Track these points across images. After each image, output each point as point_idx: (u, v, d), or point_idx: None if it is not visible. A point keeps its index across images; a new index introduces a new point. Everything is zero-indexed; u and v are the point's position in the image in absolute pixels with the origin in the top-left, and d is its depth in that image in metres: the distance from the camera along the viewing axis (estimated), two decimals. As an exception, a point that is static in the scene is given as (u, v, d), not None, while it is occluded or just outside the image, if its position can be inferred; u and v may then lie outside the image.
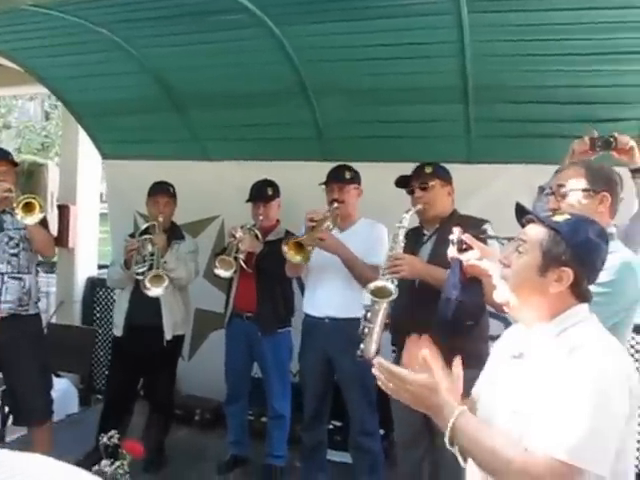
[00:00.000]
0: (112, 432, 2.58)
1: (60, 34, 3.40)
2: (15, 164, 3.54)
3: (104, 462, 2.45)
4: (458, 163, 3.82)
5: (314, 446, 3.55)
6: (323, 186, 3.40)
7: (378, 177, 3.41)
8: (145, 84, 3.93)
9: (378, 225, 3.35)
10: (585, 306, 1.52)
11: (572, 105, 3.42)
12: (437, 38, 3.21)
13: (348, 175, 3.37)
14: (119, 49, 3.53)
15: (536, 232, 1.55)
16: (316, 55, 3.51)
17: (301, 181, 3.96)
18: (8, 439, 3.93)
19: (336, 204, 3.30)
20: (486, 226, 2.70)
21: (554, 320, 1.50)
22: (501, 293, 1.61)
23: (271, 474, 3.76)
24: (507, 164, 3.81)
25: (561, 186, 2.08)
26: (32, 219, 3.27)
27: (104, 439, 2.55)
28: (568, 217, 1.55)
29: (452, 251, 2.23)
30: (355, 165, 3.55)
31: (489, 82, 3.42)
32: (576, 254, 1.48)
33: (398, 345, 2.87)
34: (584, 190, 2.00)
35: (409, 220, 2.83)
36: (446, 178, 2.91)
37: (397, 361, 2.76)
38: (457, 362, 1.67)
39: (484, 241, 2.26)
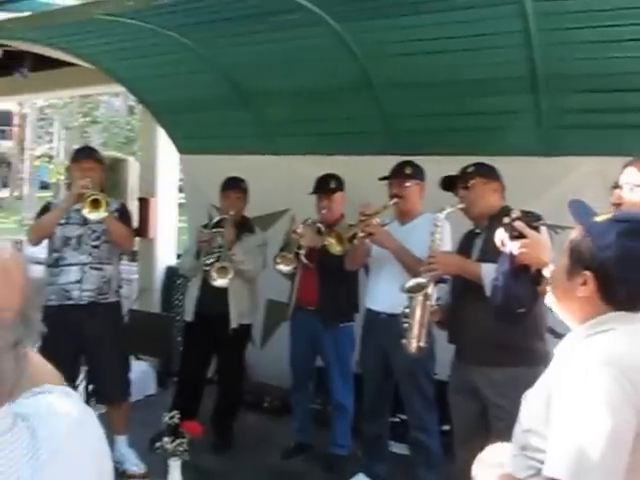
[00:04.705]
0: (173, 412, 2.77)
1: (133, 39, 3.60)
2: (101, 162, 3.77)
3: (165, 439, 2.64)
4: (530, 156, 3.77)
5: (374, 437, 3.60)
6: (381, 181, 3.43)
7: (445, 171, 3.38)
8: (215, 82, 4.08)
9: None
10: (617, 315, 1.39)
11: (647, 94, 3.26)
12: (501, 28, 3.16)
13: (408, 171, 3.38)
14: (189, 50, 3.70)
15: (574, 233, 1.47)
16: (379, 50, 3.53)
17: (368, 175, 3.99)
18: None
19: (395, 199, 3.33)
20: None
21: (583, 325, 1.43)
22: (548, 296, 1.56)
23: (333, 462, 3.85)
24: (581, 156, 3.68)
25: (626, 182, 2.02)
26: (97, 215, 3.47)
27: (166, 418, 2.74)
28: (609, 217, 1.44)
29: (501, 233, 2.21)
30: (422, 159, 3.54)
31: (559, 71, 3.32)
32: (598, 257, 1.37)
33: (455, 342, 2.90)
34: None
35: (444, 219, 2.87)
36: (489, 175, 2.88)
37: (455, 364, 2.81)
38: None
39: (537, 229, 2.22)
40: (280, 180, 4.48)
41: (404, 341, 2.79)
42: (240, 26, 3.39)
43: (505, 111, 3.72)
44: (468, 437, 2.91)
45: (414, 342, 2.78)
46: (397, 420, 3.95)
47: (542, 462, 1.33)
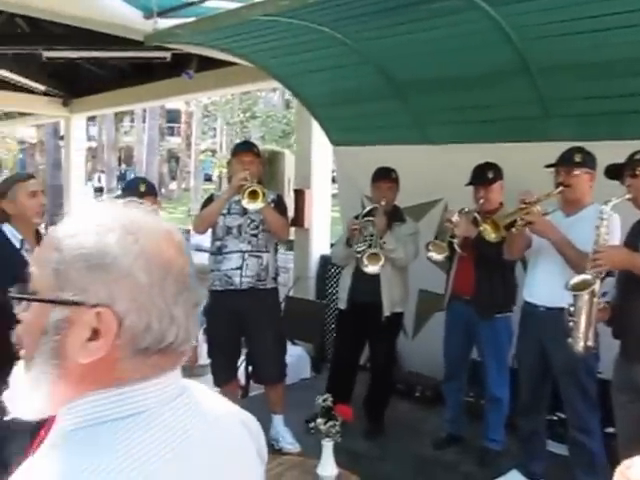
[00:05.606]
0: (327, 395, 2.88)
1: (288, 36, 3.74)
2: (259, 155, 3.98)
3: (319, 420, 2.75)
4: None
5: (529, 435, 3.48)
6: (546, 168, 3.27)
7: (612, 157, 3.17)
8: (367, 74, 4.13)
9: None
10: None
11: None
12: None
13: (578, 158, 3.17)
14: (341, 44, 3.78)
15: None
16: (536, 32, 3.37)
17: (526, 162, 3.83)
18: (250, 394, 4.49)
19: (561, 188, 3.17)
20: None
21: None
22: None
23: (486, 456, 3.78)
24: None
25: None
26: (255, 205, 3.65)
27: (319, 400, 2.85)
28: None
29: None
30: (584, 145, 3.34)
31: None
32: None
33: (620, 338, 2.73)
34: None
35: (610, 211, 2.70)
36: None
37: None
38: None
39: None
40: (433, 169, 4.43)
41: (570, 340, 2.69)
42: (392, 17, 3.39)
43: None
44: (634, 440, 2.73)
45: (581, 342, 2.67)
46: (555, 418, 3.79)
47: None
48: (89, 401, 0.74)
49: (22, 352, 0.78)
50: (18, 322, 0.78)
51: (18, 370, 0.78)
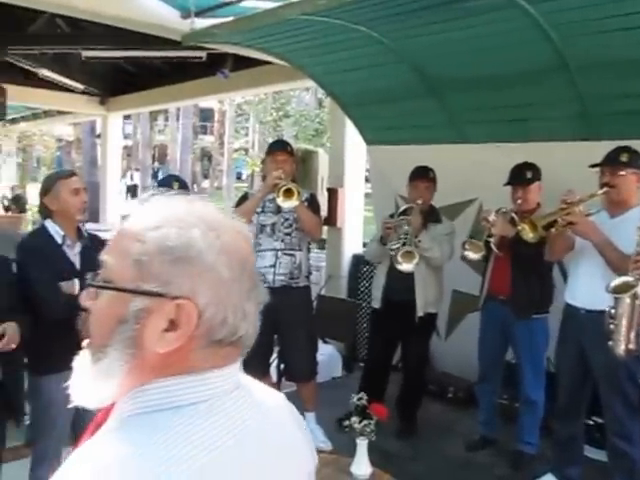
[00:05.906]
0: (361, 394, 2.88)
1: (323, 35, 3.74)
2: (293, 154, 4.00)
3: (354, 419, 2.76)
4: None
5: (567, 439, 3.42)
6: (591, 168, 3.20)
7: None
8: (402, 73, 4.10)
9: None
10: None
11: None
12: None
13: (624, 158, 3.09)
14: (377, 43, 3.77)
15: None
16: (575, 29, 3.31)
17: (564, 162, 3.78)
18: (282, 392, 4.51)
19: (605, 188, 3.10)
20: None
21: None
22: None
23: (520, 460, 3.73)
24: None
25: None
26: (289, 204, 3.67)
27: (354, 399, 2.86)
28: None
29: None
30: (624, 144, 3.28)
31: None
32: None
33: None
34: None
35: None
36: None
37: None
38: None
39: None
40: (467, 169, 4.39)
41: (611, 343, 2.64)
42: (428, 15, 3.37)
43: None
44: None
45: (622, 344, 2.63)
46: (591, 423, 3.73)
47: None
48: (157, 387, 0.75)
49: (88, 341, 0.79)
50: (84, 311, 0.79)
51: (82, 359, 0.79)
